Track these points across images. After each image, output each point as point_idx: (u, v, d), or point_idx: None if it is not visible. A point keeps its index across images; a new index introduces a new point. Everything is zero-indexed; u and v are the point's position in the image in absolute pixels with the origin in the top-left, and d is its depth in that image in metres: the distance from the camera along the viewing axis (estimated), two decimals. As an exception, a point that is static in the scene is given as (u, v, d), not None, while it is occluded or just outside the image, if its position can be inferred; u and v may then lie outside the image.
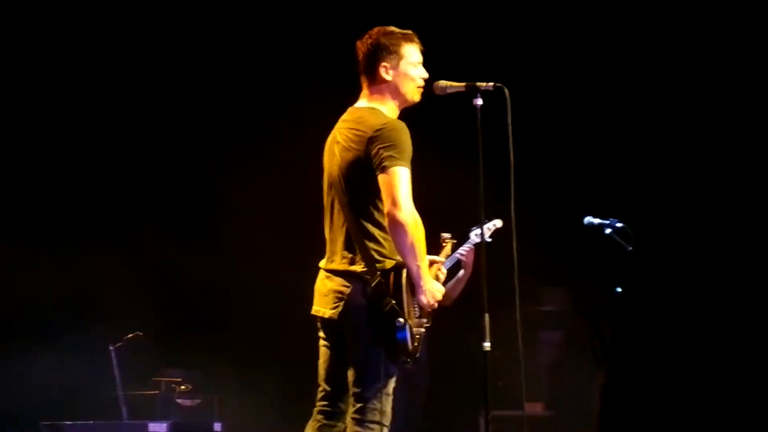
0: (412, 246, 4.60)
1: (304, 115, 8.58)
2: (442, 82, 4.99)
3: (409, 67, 4.91)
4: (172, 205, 9.40)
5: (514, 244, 4.95)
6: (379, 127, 4.71)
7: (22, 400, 8.62)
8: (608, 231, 6.41)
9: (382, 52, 4.87)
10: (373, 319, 4.66)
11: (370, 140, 4.68)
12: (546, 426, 8.47)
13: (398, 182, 4.60)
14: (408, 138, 4.72)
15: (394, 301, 4.63)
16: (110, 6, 9.10)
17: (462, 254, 7.12)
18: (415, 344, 4.75)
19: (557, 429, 8.36)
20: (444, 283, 7.25)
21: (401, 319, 4.62)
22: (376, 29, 4.94)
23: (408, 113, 4.99)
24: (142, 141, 9.45)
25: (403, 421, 7.25)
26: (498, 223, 6.85)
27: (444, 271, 5.43)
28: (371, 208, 4.72)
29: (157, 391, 8.81)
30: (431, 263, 5.22)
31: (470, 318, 5.19)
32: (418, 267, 4.65)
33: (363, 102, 4.94)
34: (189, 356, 9.06)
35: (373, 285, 4.66)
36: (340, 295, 4.73)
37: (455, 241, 5.94)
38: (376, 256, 4.70)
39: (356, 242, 4.72)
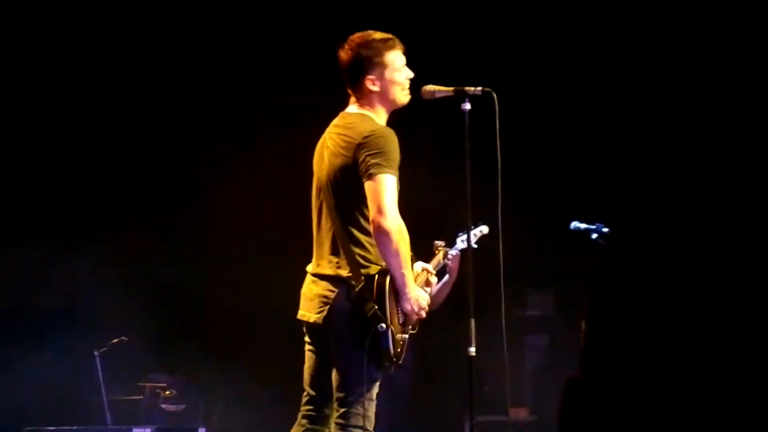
0: (397, 253, 4.62)
1: (294, 117, 8.57)
2: (430, 87, 5.00)
3: (395, 73, 4.90)
4: (157, 209, 9.37)
5: (501, 249, 4.95)
6: (367, 134, 4.71)
7: (6, 406, 8.58)
8: (594, 236, 6.40)
9: (365, 64, 4.86)
10: (356, 324, 4.66)
11: (359, 147, 4.69)
12: (529, 431, 8.46)
13: (384, 190, 4.62)
14: (396, 145, 4.73)
15: (376, 307, 4.64)
16: (106, 6, 9.07)
17: (448, 259, 7.11)
18: (398, 350, 4.75)
19: (542, 434, 8.36)
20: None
21: (383, 325, 4.63)
22: (356, 38, 4.91)
23: (395, 118, 4.98)
24: (128, 143, 9.41)
25: (387, 425, 7.27)
26: (485, 229, 6.85)
27: (435, 278, 5.43)
28: (358, 214, 4.73)
29: (141, 397, 8.78)
30: (422, 270, 5.22)
31: (456, 323, 5.18)
32: (403, 274, 4.66)
33: (353, 107, 4.93)
34: (174, 361, 9.03)
35: (357, 290, 4.67)
36: (325, 300, 4.73)
37: (448, 249, 5.93)
38: (362, 261, 4.70)
39: (342, 247, 4.73)
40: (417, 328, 4.96)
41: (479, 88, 4.94)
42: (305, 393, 4.91)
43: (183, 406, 8.96)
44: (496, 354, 5.06)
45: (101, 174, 9.41)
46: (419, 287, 5.00)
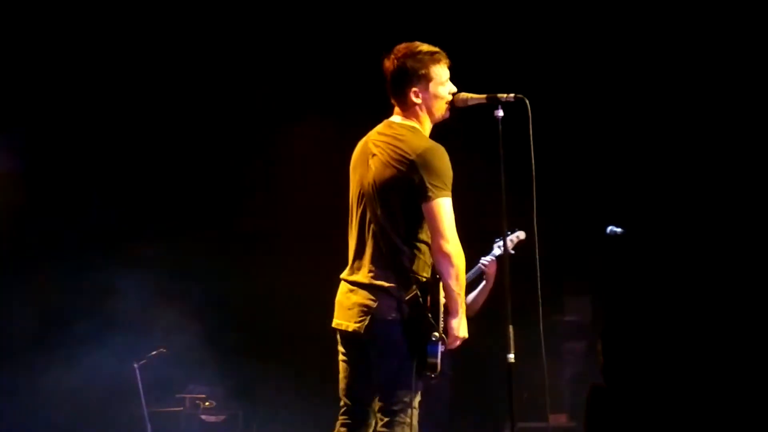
0: (457, 276, 4.69)
1: (350, 129, 8.60)
2: (463, 95, 4.99)
3: (439, 87, 4.92)
4: (197, 220, 9.39)
5: (537, 255, 4.93)
6: (421, 151, 4.73)
7: (48, 418, 8.65)
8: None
9: (411, 77, 4.87)
10: (405, 333, 4.68)
11: (414, 164, 4.70)
12: (570, 437, 8.44)
13: (444, 214, 4.67)
14: (449, 163, 4.77)
15: (431, 315, 4.67)
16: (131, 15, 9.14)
17: (484, 265, 7.12)
18: (441, 360, 4.75)
19: (582, 440, 8.32)
20: (465, 294, 7.29)
21: (436, 334, 4.66)
22: (402, 48, 4.92)
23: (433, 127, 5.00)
24: (168, 151, 9.46)
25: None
26: (521, 234, 6.86)
27: None
28: (406, 227, 4.74)
29: (181, 408, 8.82)
30: None
31: (494, 329, 5.18)
32: (459, 296, 4.73)
33: (398, 118, 4.94)
34: (213, 373, 9.06)
35: (406, 299, 4.68)
36: (366, 309, 4.72)
37: None
38: (409, 273, 4.72)
39: (388, 257, 4.74)
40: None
41: (512, 95, 4.93)
42: (342, 402, 4.90)
43: (223, 417, 8.99)
44: (535, 360, 5.05)
45: (142, 184, 9.46)
46: None
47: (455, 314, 4.74)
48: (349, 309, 4.79)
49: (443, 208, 4.67)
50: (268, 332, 9.23)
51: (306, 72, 9.21)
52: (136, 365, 8.47)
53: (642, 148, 8.87)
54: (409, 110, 4.91)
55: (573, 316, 9.09)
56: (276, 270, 9.21)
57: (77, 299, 8.90)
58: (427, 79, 4.88)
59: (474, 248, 7.19)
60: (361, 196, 4.87)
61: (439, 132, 5.00)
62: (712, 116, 8.67)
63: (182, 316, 8.92)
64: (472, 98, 4.99)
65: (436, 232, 4.67)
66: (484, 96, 4.98)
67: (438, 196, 4.67)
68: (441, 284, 4.72)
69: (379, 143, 4.86)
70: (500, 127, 4.92)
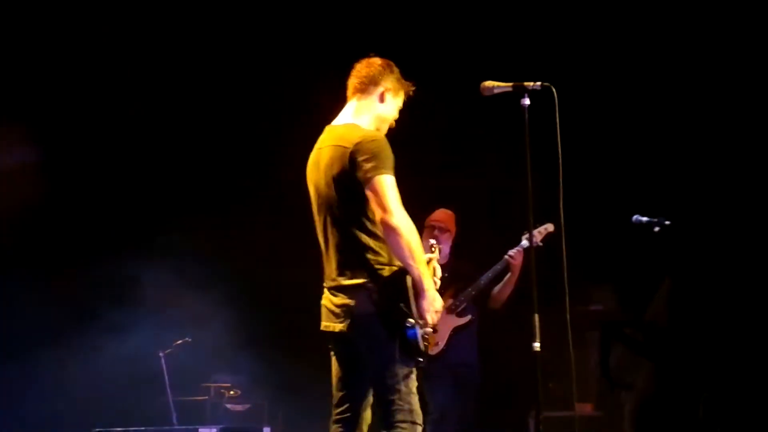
0: (410, 249, 4.67)
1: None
2: (489, 83, 4.99)
3: (396, 107, 5.05)
4: (224, 211, 9.41)
5: (564, 244, 4.92)
6: (358, 139, 4.79)
7: (75, 407, 8.69)
8: (657, 229, 6.36)
9: (389, 78, 5.01)
10: (383, 324, 4.72)
11: (352, 154, 4.76)
12: (596, 426, 8.41)
13: (385, 189, 4.68)
14: (388, 147, 4.80)
15: (402, 304, 4.69)
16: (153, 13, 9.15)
17: (510, 256, 7.11)
18: (426, 343, 4.79)
19: (607, 429, 8.30)
20: (486, 287, 7.29)
21: (411, 320, 4.68)
22: (383, 60, 5.06)
23: (456, 112, 4.99)
24: (198, 139, 9.50)
25: (453, 422, 7.27)
26: (550, 227, 6.84)
27: (438, 267, 5.41)
28: (363, 220, 4.78)
29: (206, 397, 8.85)
30: (428, 260, 5.26)
31: (520, 319, 5.17)
32: (419, 269, 4.71)
33: (343, 119, 5.02)
34: (237, 362, 9.09)
35: (378, 292, 4.73)
36: (346, 309, 4.80)
37: (438, 246, 5.86)
38: (376, 265, 4.76)
39: (354, 255, 4.80)
40: (466, 322, 5.00)
41: (538, 83, 4.93)
42: (334, 398, 5.00)
43: (248, 406, 9.03)
44: (561, 350, 5.04)
45: (166, 176, 9.49)
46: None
47: (421, 291, 4.74)
48: (333, 311, 4.88)
49: (383, 184, 4.68)
50: (294, 321, 9.22)
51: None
52: (161, 354, 8.51)
53: (669, 136, 8.83)
54: (367, 105, 5.01)
55: (598, 305, 9.06)
56: (304, 260, 9.19)
57: (103, 290, 8.94)
58: (398, 91, 5.03)
59: (502, 240, 7.19)
60: (320, 202, 4.94)
61: (463, 121, 4.99)
62: (742, 105, 8.63)
63: (208, 305, 8.94)
64: (498, 87, 4.98)
65: (379, 209, 4.69)
66: (510, 84, 4.97)
67: (376, 174, 4.69)
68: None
69: (324, 147, 4.94)
70: (526, 116, 4.91)
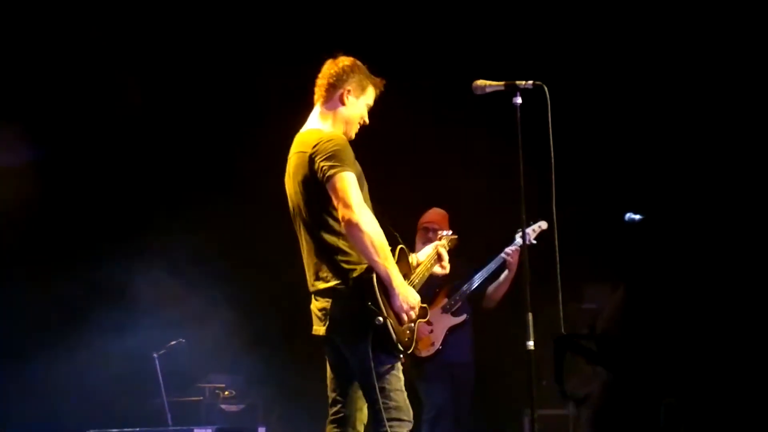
0: (372, 244, 4.67)
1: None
2: (481, 82, 5.01)
3: (364, 106, 5.04)
4: (217, 210, 9.38)
5: (556, 242, 4.93)
6: (315, 142, 4.82)
7: (69, 408, 8.69)
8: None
9: (352, 79, 5.00)
10: (355, 325, 4.75)
11: (311, 157, 4.80)
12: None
13: (345, 186, 4.69)
14: (346, 145, 4.83)
15: (369, 302, 4.70)
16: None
17: (507, 254, 7.11)
18: (405, 339, 4.81)
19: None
20: (481, 286, 7.29)
21: (380, 318, 4.69)
22: (350, 58, 5.05)
23: (448, 113, 4.99)
24: (197, 137, 9.48)
25: (449, 421, 7.28)
26: (543, 224, 6.84)
27: (444, 252, 5.39)
28: (330, 222, 4.81)
29: (201, 398, 8.85)
30: (434, 248, 5.27)
31: (514, 317, 5.18)
32: (384, 266, 4.71)
33: (308, 125, 5.05)
34: (232, 362, 9.08)
35: (349, 294, 4.76)
36: (324, 312, 4.86)
37: (453, 238, 5.82)
38: (346, 267, 4.79)
39: (325, 258, 4.83)
40: (427, 316, 5.03)
41: (530, 82, 4.94)
42: (329, 398, 5.05)
43: (242, 406, 9.02)
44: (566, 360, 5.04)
45: (161, 174, 9.47)
46: (423, 273, 5.19)
47: (390, 288, 4.74)
48: (316, 315, 4.94)
49: (343, 181, 4.69)
50: (289, 322, 9.22)
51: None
52: (155, 355, 8.50)
53: (661, 134, 8.84)
54: (329, 109, 5.03)
55: (592, 304, 9.06)
56: (299, 260, 9.19)
57: (97, 290, 8.92)
58: (362, 90, 5.02)
59: (496, 238, 7.19)
60: (293, 210, 4.99)
61: (458, 120, 5.00)
62: (736, 101, 8.63)
63: (202, 306, 8.94)
64: (490, 85, 5.00)
65: (338, 204, 4.70)
66: (502, 83, 4.99)
67: (336, 172, 4.70)
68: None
69: (291, 155, 4.98)
70: (518, 114, 4.92)
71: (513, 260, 7.10)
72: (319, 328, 4.92)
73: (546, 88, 4.89)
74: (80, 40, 9.04)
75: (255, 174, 9.48)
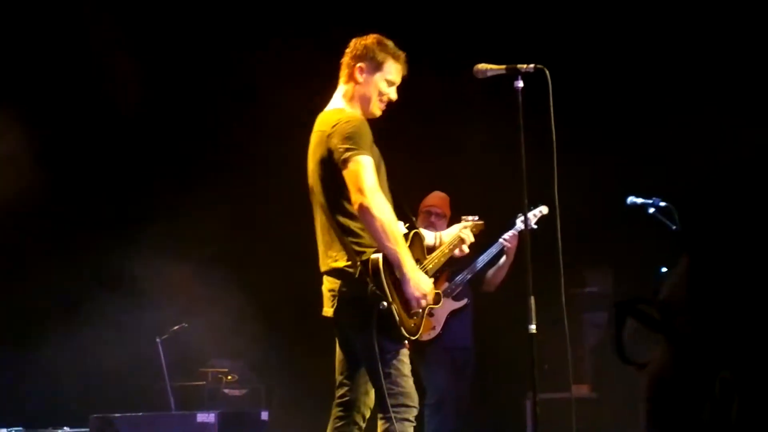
0: (383, 229, 4.64)
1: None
2: (482, 66, 5.00)
3: (383, 82, 4.96)
4: (225, 195, 9.37)
5: (558, 226, 4.93)
6: (334, 122, 4.80)
7: (72, 393, 8.71)
8: (651, 210, 6.36)
9: (366, 54, 4.94)
10: (361, 309, 4.75)
11: (329, 137, 4.78)
12: (593, 408, 8.43)
13: (360, 171, 4.67)
14: (364, 126, 4.80)
15: (374, 287, 4.69)
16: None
17: (505, 240, 7.11)
18: (411, 324, 4.80)
19: (604, 411, 8.32)
20: (481, 270, 7.29)
21: (384, 303, 4.69)
22: (373, 35, 5.01)
23: (450, 97, 4.98)
24: (197, 124, 9.46)
25: (450, 406, 7.29)
26: (544, 209, 6.83)
27: (469, 234, 5.40)
28: (343, 203, 4.80)
29: (204, 382, 8.86)
30: (460, 230, 5.27)
31: (516, 301, 5.18)
32: (395, 251, 4.68)
33: (331, 103, 5.03)
34: (235, 346, 9.09)
35: (357, 276, 4.75)
36: (333, 293, 4.86)
37: (478, 223, 5.82)
38: (357, 248, 4.78)
39: (337, 239, 4.83)
40: (440, 302, 5.03)
41: (531, 66, 4.94)
42: (336, 381, 5.06)
43: (245, 391, 9.03)
44: (556, 332, 5.05)
45: (163, 157, 9.47)
46: (443, 256, 5.15)
47: (401, 276, 4.73)
48: (325, 296, 4.94)
49: (358, 165, 4.67)
50: (290, 306, 9.24)
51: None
52: (158, 340, 8.52)
53: (663, 117, 8.83)
54: (346, 87, 4.99)
55: (594, 288, 9.07)
56: (302, 243, 9.18)
57: (100, 275, 8.94)
58: (378, 66, 4.94)
59: (496, 223, 7.19)
60: (310, 188, 4.98)
61: (459, 103, 4.99)
62: (737, 84, 8.62)
63: (205, 290, 8.94)
64: (491, 69, 4.99)
65: (352, 188, 4.68)
66: (503, 67, 4.98)
67: (352, 156, 4.68)
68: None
69: (312, 133, 4.96)
70: (520, 98, 4.92)
71: (511, 245, 7.09)
72: (328, 310, 4.91)
73: (547, 72, 4.88)
74: (75, 23, 9.03)
75: (254, 159, 9.50)
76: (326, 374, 8.90)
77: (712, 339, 1.11)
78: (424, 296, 4.80)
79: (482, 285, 7.44)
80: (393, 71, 4.97)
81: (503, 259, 7.25)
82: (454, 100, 5.47)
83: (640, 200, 6.41)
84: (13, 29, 8.99)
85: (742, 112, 8.51)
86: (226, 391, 8.90)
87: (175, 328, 8.61)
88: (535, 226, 6.59)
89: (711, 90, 8.68)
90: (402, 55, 4.99)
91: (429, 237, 5.36)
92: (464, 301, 7.37)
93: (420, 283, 4.78)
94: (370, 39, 4.99)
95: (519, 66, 4.93)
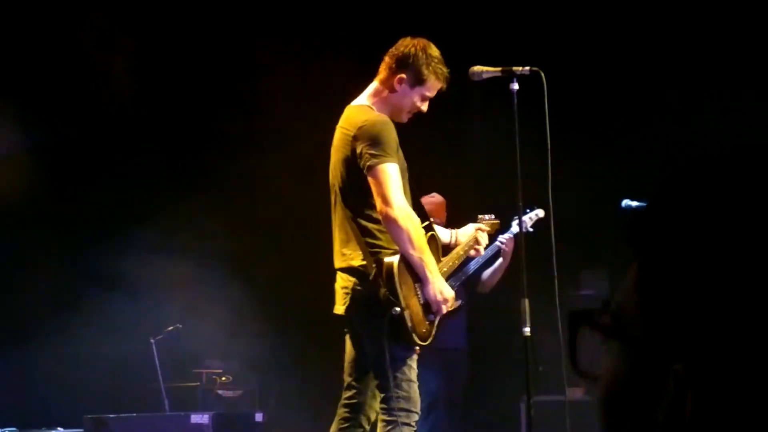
0: (410, 239, 4.64)
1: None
2: (478, 68, 4.99)
3: (419, 96, 4.90)
4: (219, 196, 9.36)
5: (552, 229, 4.94)
6: (360, 124, 4.76)
7: (66, 394, 8.69)
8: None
9: (411, 65, 4.85)
10: (373, 311, 4.73)
11: (354, 138, 4.75)
12: (587, 410, 8.43)
13: (386, 179, 4.65)
14: (391, 131, 4.76)
15: (387, 291, 4.67)
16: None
17: (501, 242, 7.11)
18: (423, 330, 4.79)
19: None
20: (481, 270, 7.29)
21: (397, 309, 4.67)
22: (424, 42, 4.91)
23: (445, 98, 4.97)
24: (179, 126, 9.45)
25: (443, 409, 7.28)
26: (540, 212, 6.81)
27: (485, 236, 5.40)
28: (362, 204, 4.78)
29: (198, 383, 8.85)
30: (475, 230, 5.25)
31: (511, 304, 5.18)
32: (420, 260, 4.68)
33: (359, 99, 4.98)
34: (230, 348, 9.08)
35: (371, 278, 4.73)
36: (346, 291, 4.83)
37: (494, 223, 5.86)
38: (372, 249, 4.76)
39: (354, 238, 4.80)
40: (454, 306, 5.01)
41: (527, 68, 4.93)
42: (344, 382, 5.02)
43: (239, 392, 9.03)
44: (551, 334, 5.05)
45: (158, 158, 9.45)
46: (459, 259, 5.11)
47: (425, 281, 4.73)
48: (337, 293, 4.91)
49: (384, 173, 4.65)
50: (285, 307, 9.24)
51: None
52: (152, 341, 8.51)
53: (659, 121, 8.83)
54: (381, 89, 4.93)
55: (588, 290, 9.06)
56: (297, 246, 9.19)
57: (94, 276, 8.92)
58: (419, 81, 4.87)
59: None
60: (330, 182, 4.96)
61: (453, 106, 4.99)
62: (732, 89, 8.63)
63: (199, 291, 8.94)
64: (487, 71, 4.99)
65: (378, 198, 4.66)
66: (499, 69, 4.98)
67: (378, 163, 4.66)
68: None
69: (337, 128, 4.93)
70: (515, 100, 4.91)
71: (508, 248, 7.08)
72: (339, 307, 4.89)
73: (543, 74, 4.88)
74: (73, 24, 9.02)
75: (250, 162, 9.48)
76: (321, 376, 8.93)
77: (663, 337, 1.11)
78: (446, 302, 4.80)
79: (477, 287, 7.43)
80: (432, 89, 4.90)
81: (499, 261, 7.24)
82: (449, 103, 5.44)
83: (635, 203, 6.41)
84: (12, 30, 8.98)
85: (739, 115, 8.52)
86: (220, 392, 8.90)
87: (169, 328, 8.60)
88: (532, 230, 6.58)
89: (707, 93, 8.69)
90: (445, 73, 4.89)
91: (444, 235, 5.34)
92: (458, 303, 7.35)
93: (444, 288, 4.79)
94: (420, 46, 4.87)
95: (514, 68, 4.93)
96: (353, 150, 4.74)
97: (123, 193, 9.34)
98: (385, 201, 4.63)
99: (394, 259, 4.69)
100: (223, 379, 8.91)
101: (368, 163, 4.66)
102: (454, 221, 5.85)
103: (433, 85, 4.89)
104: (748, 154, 1.10)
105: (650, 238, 1.16)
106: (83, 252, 8.95)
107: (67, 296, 8.90)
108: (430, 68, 4.85)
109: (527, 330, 4.83)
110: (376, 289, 4.71)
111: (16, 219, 9.05)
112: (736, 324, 1.08)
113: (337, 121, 5.00)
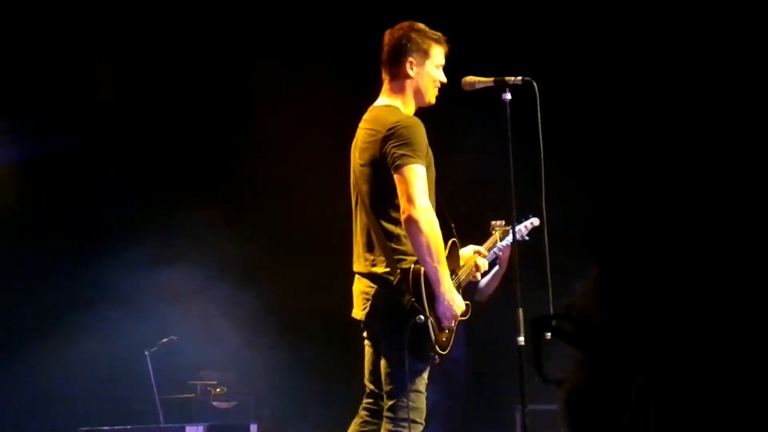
0: (428, 245, 4.61)
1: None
2: (470, 78, 5.00)
3: (433, 68, 4.94)
4: (205, 204, 9.36)
5: (546, 238, 4.93)
6: (392, 125, 4.74)
7: (60, 406, 8.68)
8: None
9: (411, 48, 4.91)
10: (396, 317, 4.69)
11: (384, 139, 4.72)
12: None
13: (413, 180, 4.63)
14: (422, 134, 4.75)
15: (413, 299, 4.64)
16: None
17: (499, 249, 7.11)
18: (443, 339, 4.77)
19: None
20: (483, 275, 7.29)
21: (422, 317, 4.64)
22: (407, 23, 4.97)
23: (435, 111, 4.98)
24: (181, 132, 9.46)
25: (441, 419, 7.27)
26: (535, 221, 6.83)
27: (485, 261, 5.40)
28: (389, 207, 4.76)
29: (193, 395, 8.84)
30: (474, 252, 5.24)
31: (505, 313, 5.18)
32: (435, 268, 4.64)
33: (382, 99, 4.97)
34: (224, 359, 9.08)
35: (395, 284, 4.68)
36: (366, 296, 4.79)
37: (507, 229, 5.89)
38: (397, 255, 4.73)
39: (377, 242, 4.76)
40: (468, 315, 4.98)
41: (519, 78, 4.94)
42: (366, 387, 4.99)
43: (234, 403, 9.02)
44: (545, 343, 5.04)
45: (155, 168, 9.45)
46: (462, 279, 5.06)
47: (437, 292, 4.68)
48: (357, 298, 4.87)
49: (412, 173, 4.63)
50: (280, 318, 9.23)
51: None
52: (147, 353, 8.50)
53: (652, 130, 8.84)
54: (398, 84, 4.93)
55: (583, 299, 9.06)
56: (295, 256, 9.19)
57: (88, 287, 8.91)
58: (425, 54, 4.92)
59: (487, 235, 7.19)
60: (353, 184, 4.92)
61: (446, 117, 5.00)
62: (725, 98, 8.63)
63: (194, 303, 8.93)
64: (479, 81, 4.99)
65: (402, 197, 4.63)
66: (491, 79, 4.98)
67: (406, 164, 4.64)
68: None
69: (362, 130, 4.91)
70: (508, 110, 4.92)
71: (505, 256, 7.10)
72: (358, 312, 4.85)
73: (535, 84, 4.89)
74: (68, 32, 9.02)
75: (246, 174, 9.48)
76: (315, 387, 8.92)
77: (625, 347, 1.12)
78: (456, 317, 4.78)
79: (474, 295, 7.44)
80: (439, 55, 4.97)
81: (496, 268, 7.26)
82: (441, 113, 5.44)
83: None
84: (11, 37, 8.99)
85: (736, 120, 8.53)
86: (214, 403, 8.89)
87: (164, 340, 8.59)
88: (527, 238, 6.59)
89: (701, 100, 8.70)
90: (441, 36, 4.98)
91: None
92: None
93: (455, 302, 4.75)
94: (406, 27, 4.95)
95: (507, 78, 4.93)
96: (382, 150, 4.71)
97: (117, 205, 9.32)
98: (410, 200, 4.60)
99: (421, 266, 4.67)
100: (218, 390, 8.90)
101: (397, 162, 4.64)
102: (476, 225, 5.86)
103: (439, 52, 4.96)
104: (707, 160, 1.12)
105: (608, 244, 1.18)
106: (78, 264, 8.93)
107: (61, 308, 8.89)
108: (428, 39, 4.93)
109: (521, 339, 4.83)
110: (399, 295, 4.66)
111: (11, 231, 9.04)
112: (696, 335, 1.10)
113: (344, 127, 5.00)
